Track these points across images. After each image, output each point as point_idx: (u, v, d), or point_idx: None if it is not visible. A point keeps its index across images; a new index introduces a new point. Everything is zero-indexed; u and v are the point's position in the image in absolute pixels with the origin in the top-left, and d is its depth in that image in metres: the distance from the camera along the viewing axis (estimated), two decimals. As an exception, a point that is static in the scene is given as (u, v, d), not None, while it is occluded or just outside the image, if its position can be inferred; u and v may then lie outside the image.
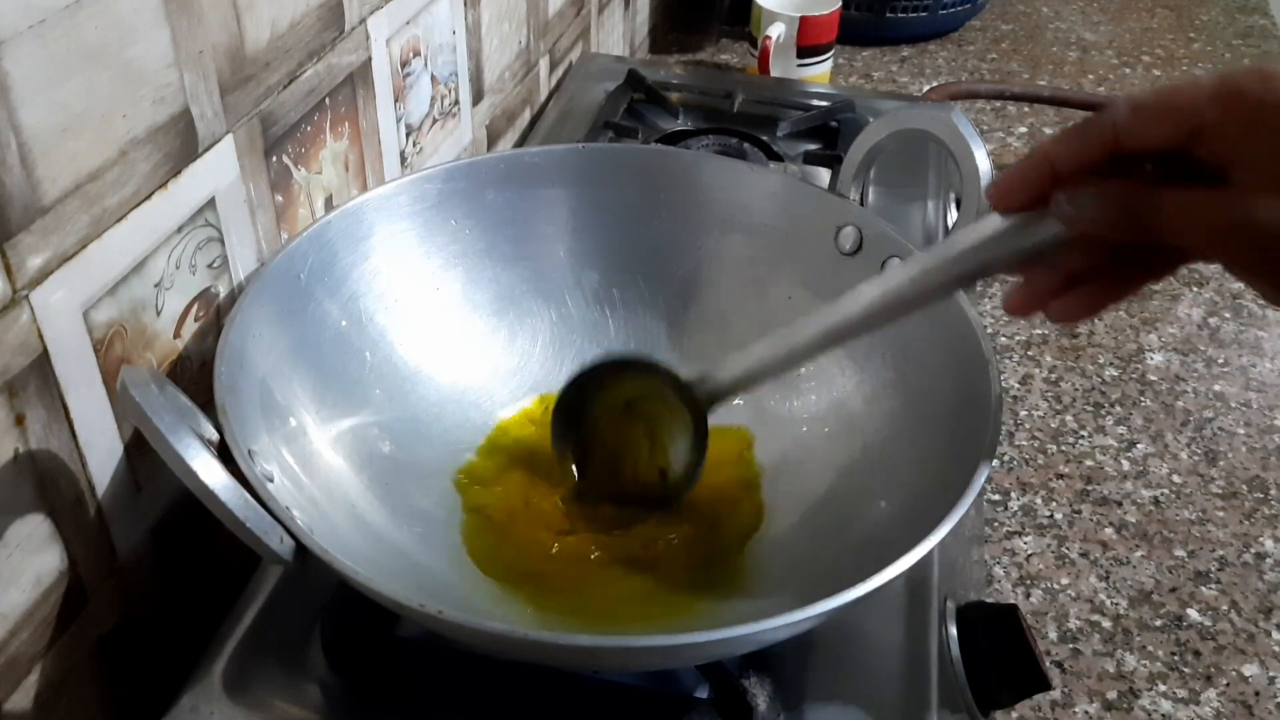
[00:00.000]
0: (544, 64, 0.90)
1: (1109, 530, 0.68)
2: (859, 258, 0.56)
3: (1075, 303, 0.40)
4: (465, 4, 0.71)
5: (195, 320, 0.50)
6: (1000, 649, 0.50)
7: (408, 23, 0.64)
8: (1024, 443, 0.74)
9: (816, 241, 0.57)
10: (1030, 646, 0.49)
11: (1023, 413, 0.77)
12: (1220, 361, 0.81)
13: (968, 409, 0.47)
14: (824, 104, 0.89)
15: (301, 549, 0.40)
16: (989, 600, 0.55)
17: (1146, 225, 0.36)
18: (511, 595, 0.49)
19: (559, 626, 0.48)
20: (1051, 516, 0.69)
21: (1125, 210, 0.36)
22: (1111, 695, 0.59)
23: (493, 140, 0.82)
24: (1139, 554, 0.67)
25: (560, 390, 0.54)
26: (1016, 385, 0.79)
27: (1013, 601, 0.63)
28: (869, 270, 0.55)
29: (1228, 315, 0.86)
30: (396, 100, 0.65)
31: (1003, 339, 0.83)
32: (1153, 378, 0.80)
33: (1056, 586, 0.65)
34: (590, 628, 0.48)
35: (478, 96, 0.77)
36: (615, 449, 0.54)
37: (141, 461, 0.48)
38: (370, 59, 0.60)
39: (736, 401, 0.58)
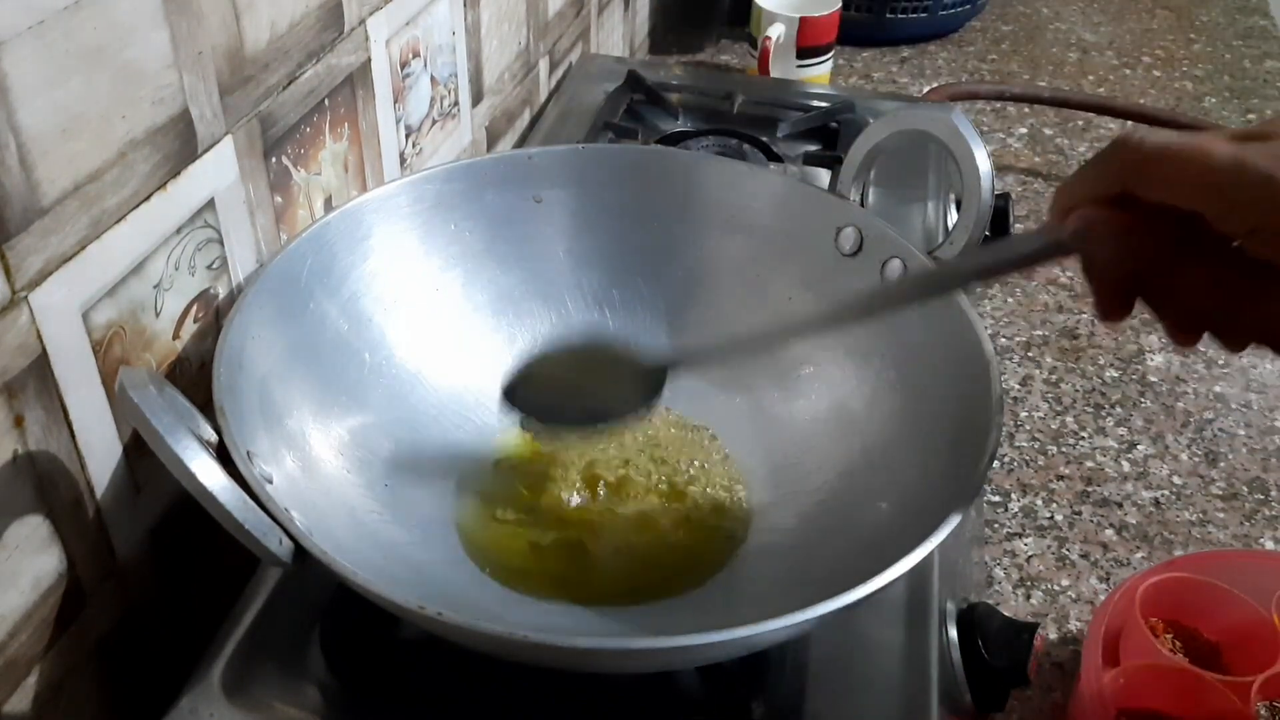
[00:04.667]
0: (544, 65, 0.90)
1: (1109, 531, 0.68)
2: (859, 259, 0.56)
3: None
4: (465, 5, 0.71)
5: (194, 321, 0.50)
6: (1005, 661, 0.50)
7: (407, 24, 0.64)
8: (1024, 444, 0.74)
9: (817, 242, 0.57)
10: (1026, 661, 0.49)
11: (1023, 414, 0.77)
12: (1220, 363, 0.81)
13: (968, 410, 0.47)
14: (824, 105, 0.89)
15: (301, 551, 0.40)
16: (991, 602, 0.55)
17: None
18: (511, 596, 0.49)
19: (558, 628, 0.48)
20: (1052, 518, 0.69)
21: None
22: (1112, 697, 0.59)
23: (492, 141, 0.82)
24: (1139, 555, 0.67)
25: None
26: (1017, 386, 0.79)
27: (1016, 607, 0.63)
28: (869, 271, 0.55)
29: (1228, 316, 0.85)
30: (396, 101, 0.65)
31: (1003, 339, 0.83)
32: (1153, 379, 0.80)
33: (1057, 588, 0.65)
34: (589, 630, 0.48)
35: (477, 97, 0.77)
36: (568, 381, 0.54)
37: (141, 463, 0.48)
38: (370, 60, 0.60)
39: (736, 399, 0.58)
